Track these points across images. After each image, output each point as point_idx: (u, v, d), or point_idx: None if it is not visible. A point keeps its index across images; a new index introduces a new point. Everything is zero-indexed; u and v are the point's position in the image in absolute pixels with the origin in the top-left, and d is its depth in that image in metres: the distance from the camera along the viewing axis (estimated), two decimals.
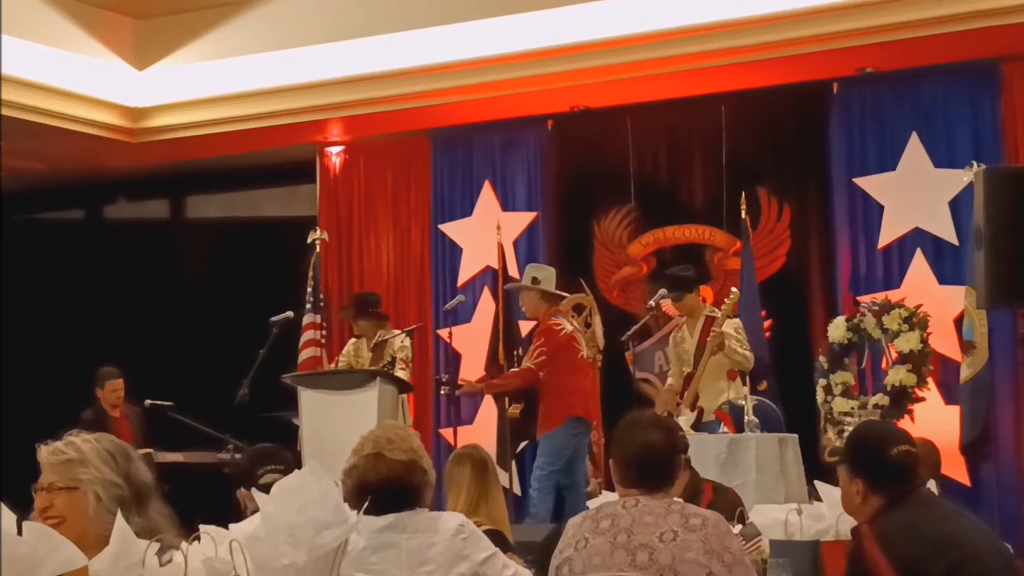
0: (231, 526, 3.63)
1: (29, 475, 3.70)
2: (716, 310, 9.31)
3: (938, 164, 10.22)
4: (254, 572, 3.34)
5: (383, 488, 4.04)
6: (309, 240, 11.71)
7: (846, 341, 9.69)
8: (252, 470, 5.29)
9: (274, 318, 10.13)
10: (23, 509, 3.40)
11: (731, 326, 9.20)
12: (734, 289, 9.27)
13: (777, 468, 8.39)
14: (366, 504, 3.88)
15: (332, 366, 10.75)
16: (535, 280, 9.86)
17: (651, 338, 10.87)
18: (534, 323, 10.17)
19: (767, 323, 10.54)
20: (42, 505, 3.48)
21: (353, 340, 10.73)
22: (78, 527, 3.31)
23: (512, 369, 10.22)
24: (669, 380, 9.57)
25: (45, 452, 3.55)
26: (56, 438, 3.61)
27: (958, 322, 9.75)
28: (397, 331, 10.60)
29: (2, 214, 12.46)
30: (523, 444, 11.09)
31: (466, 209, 11.91)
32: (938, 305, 9.83)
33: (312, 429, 9.45)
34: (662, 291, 9.49)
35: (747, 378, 9.21)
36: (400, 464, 4.07)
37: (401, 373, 10.07)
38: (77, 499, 3.47)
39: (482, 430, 10.98)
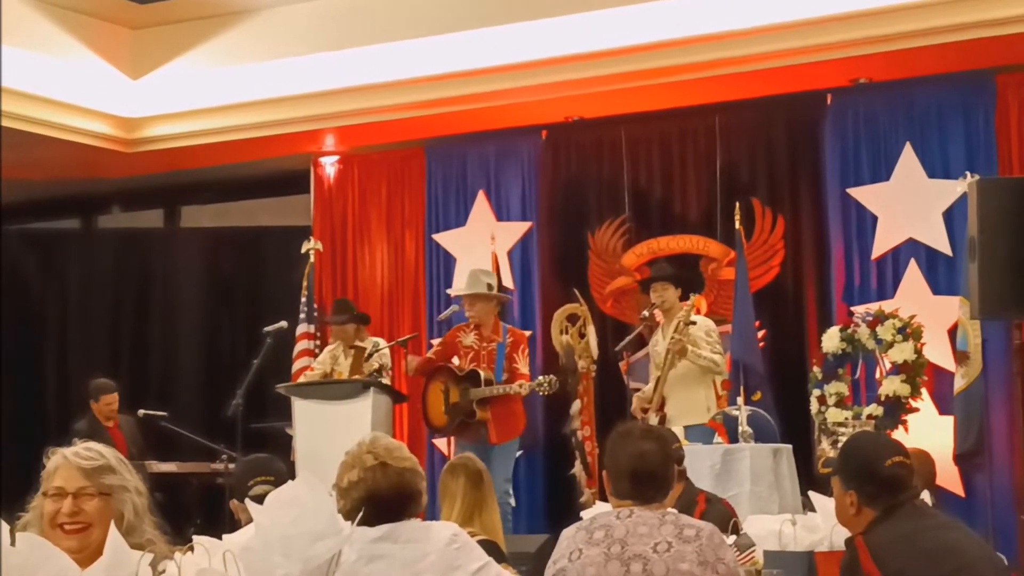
0: (225, 537, 3.63)
1: (20, 484, 3.68)
2: (693, 315, 9.31)
3: (932, 175, 10.22)
4: None
5: (393, 496, 4.04)
6: (303, 250, 11.70)
7: (840, 351, 9.67)
8: (242, 481, 5.28)
9: (268, 328, 10.13)
10: (12, 517, 3.39)
11: (701, 329, 9.20)
12: (692, 295, 9.29)
13: (771, 479, 8.39)
14: (360, 515, 3.88)
15: (309, 374, 10.65)
16: (490, 287, 9.83)
17: (645, 348, 10.84)
18: (476, 327, 9.90)
19: (761, 333, 10.54)
20: (70, 510, 3.44)
21: (329, 348, 10.68)
22: (104, 534, 3.25)
23: (507, 383, 9.83)
24: (647, 385, 9.57)
25: (74, 456, 3.50)
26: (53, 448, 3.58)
27: (952, 332, 9.75)
28: (376, 339, 10.57)
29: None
30: (518, 454, 11.08)
31: (460, 219, 11.91)
32: (932, 315, 9.83)
33: (306, 439, 9.44)
34: (654, 302, 9.50)
35: (741, 388, 9.21)
36: (407, 471, 4.09)
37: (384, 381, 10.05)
38: (110, 506, 3.46)
39: None
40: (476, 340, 9.90)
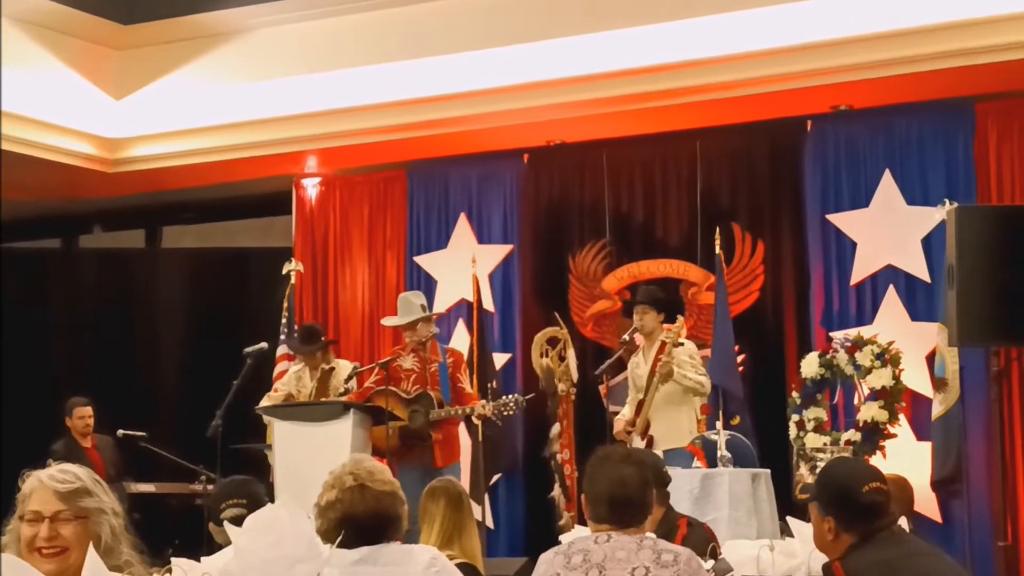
0: (203, 559, 3.63)
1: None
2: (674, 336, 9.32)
3: (911, 202, 10.26)
4: None
5: (370, 519, 4.04)
6: (284, 271, 11.68)
7: (819, 377, 9.70)
8: (216, 504, 5.28)
9: (248, 349, 10.10)
10: None
11: (685, 352, 9.23)
12: (680, 317, 9.33)
13: (750, 504, 8.40)
14: (339, 538, 3.89)
15: (273, 395, 10.60)
16: (424, 307, 9.78)
17: (625, 371, 10.86)
18: (413, 348, 9.73)
19: (741, 358, 10.56)
20: (48, 534, 3.38)
21: (295, 368, 10.63)
22: (82, 557, 3.22)
23: (457, 404, 9.70)
24: (624, 408, 9.57)
25: (49, 480, 3.45)
26: (31, 470, 3.56)
27: (930, 359, 9.79)
28: (344, 361, 10.54)
29: None
30: (496, 477, 11.08)
31: (442, 242, 11.92)
32: (910, 342, 9.86)
33: (285, 460, 9.41)
34: (635, 325, 9.51)
35: (720, 412, 9.22)
36: (386, 494, 4.09)
37: None
38: (88, 529, 3.41)
39: None
40: (416, 363, 9.73)
